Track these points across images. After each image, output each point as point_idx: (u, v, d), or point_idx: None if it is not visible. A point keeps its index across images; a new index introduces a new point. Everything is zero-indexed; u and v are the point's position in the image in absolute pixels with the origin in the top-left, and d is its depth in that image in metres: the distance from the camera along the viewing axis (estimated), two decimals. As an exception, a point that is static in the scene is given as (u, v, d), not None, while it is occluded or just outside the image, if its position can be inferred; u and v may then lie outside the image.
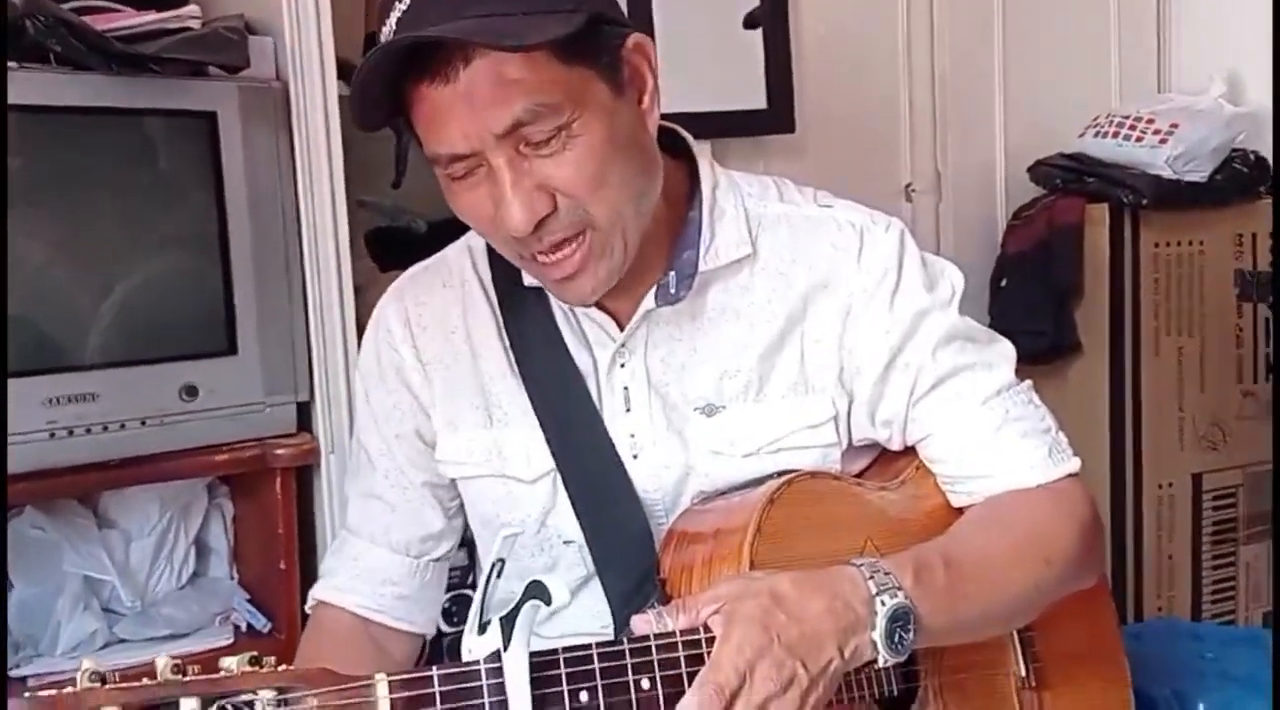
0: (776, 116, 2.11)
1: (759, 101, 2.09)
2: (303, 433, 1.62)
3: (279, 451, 1.57)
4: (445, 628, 1.78)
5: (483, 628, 0.82)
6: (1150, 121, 2.17)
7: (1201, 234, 2.18)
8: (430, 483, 1.16)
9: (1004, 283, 2.20)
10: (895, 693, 1.03)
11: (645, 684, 0.85)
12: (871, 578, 0.92)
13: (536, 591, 0.81)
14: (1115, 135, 2.20)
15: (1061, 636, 1.16)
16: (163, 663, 0.70)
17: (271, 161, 1.55)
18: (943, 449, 1.10)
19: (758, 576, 0.93)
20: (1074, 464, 1.11)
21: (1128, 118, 2.21)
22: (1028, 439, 1.09)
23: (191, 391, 1.48)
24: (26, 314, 1.38)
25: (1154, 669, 1.73)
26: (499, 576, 0.84)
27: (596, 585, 1.08)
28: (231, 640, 1.59)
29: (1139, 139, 2.15)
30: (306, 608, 1.22)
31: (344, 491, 1.25)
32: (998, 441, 1.09)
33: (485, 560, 1.15)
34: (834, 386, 1.09)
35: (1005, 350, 1.13)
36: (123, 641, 1.55)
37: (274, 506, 1.58)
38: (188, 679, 0.70)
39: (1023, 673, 1.12)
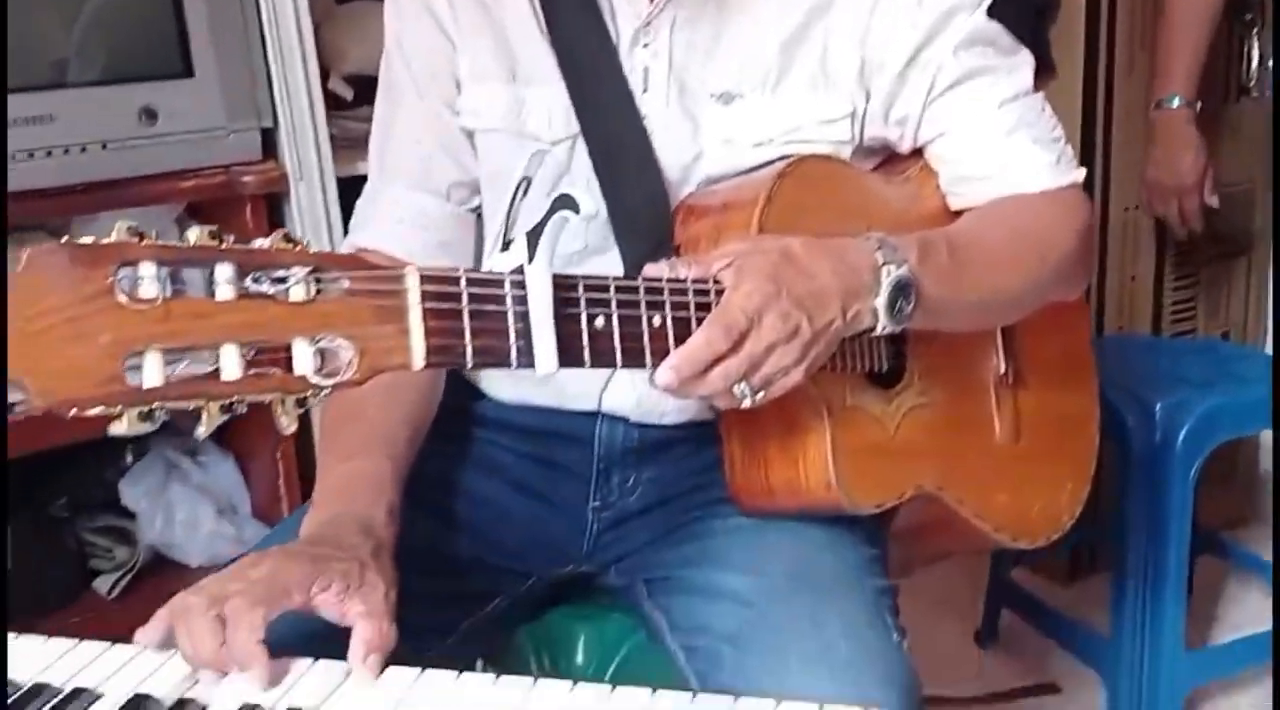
0: None
1: None
2: (269, 160, 1.60)
3: (245, 178, 1.56)
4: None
5: (506, 246, 0.82)
6: None
7: (1181, -52, 2.11)
8: (465, 128, 1.14)
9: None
10: (884, 369, 1.07)
11: (656, 321, 0.87)
12: (879, 249, 0.94)
13: (563, 203, 0.80)
14: None
15: (1041, 343, 1.20)
16: (197, 232, 0.69)
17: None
18: (953, 148, 1.12)
19: (768, 237, 0.95)
20: (1078, 174, 1.13)
21: None
22: (1038, 145, 1.11)
23: (151, 115, 1.46)
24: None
25: (1114, 376, 1.80)
26: (524, 195, 0.84)
27: (594, 261, 1.08)
28: (211, 367, 1.61)
29: None
30: None
31: (372, 144, 1.20)
32: (1009, 144, 1.10)
33: (490, 222, 1.13)
34: (853, 83, 1.09)
35: (1026, 58, 1.13)
36: (106, 370, 1.57)
37: (245, 235, 1.57)
38: (224, 247, 0.69)
39: (1002, 369, 1.17)
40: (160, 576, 1.71)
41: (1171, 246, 2.25)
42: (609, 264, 1.07)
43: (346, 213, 1.65)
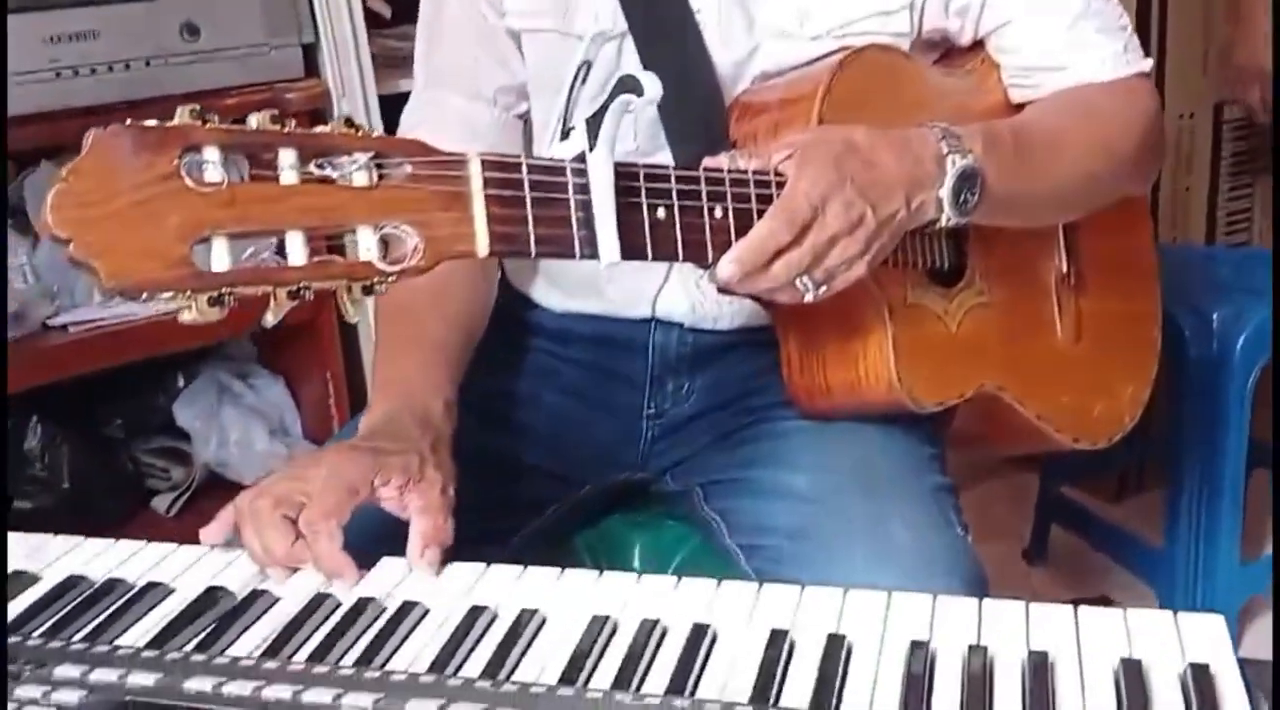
0: None
1: None
2: (311, 77, 1.59)
3: (289, 95, 1.55)
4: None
5: (566, 134, 0.79)
6: None
7: None
8: (512, 30, 1.11)
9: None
10: (945, 266, 1.05)
11: (718, 213, 0.85)
12: (943, 139, 0.92)
13: (626, 85, 0.77)
14: None
15: (1102, 243, 1.18)
16: (259, 117, 0.67)
17: None
18: (1016, 38, 1.09)
19: (830, 127, 0.93)
20: (1145, 64, 1.11)
21: None
22: (1103, 33, 1.09)
23: (193, 30, 1.45)
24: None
25: (1169, 286, 1.77)
26: (583, 82, 0.82)
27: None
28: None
29: None
30: None
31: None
32: (1074, 33, 1.08)
33: (544, 122, 1.12)
34: None
35: None
36: (156, 289, 1.58)
37: (290, 154, 1.57)
38: (288, 131, 0.68)
39: (1063, 269, 1.15)
40: (217, 495, 1.73)
41: (1227, 156, 2.20)
42: None
43: (389, 131, 1.64)
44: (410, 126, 1.16)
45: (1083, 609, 0.73)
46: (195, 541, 0.87)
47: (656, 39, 1.04)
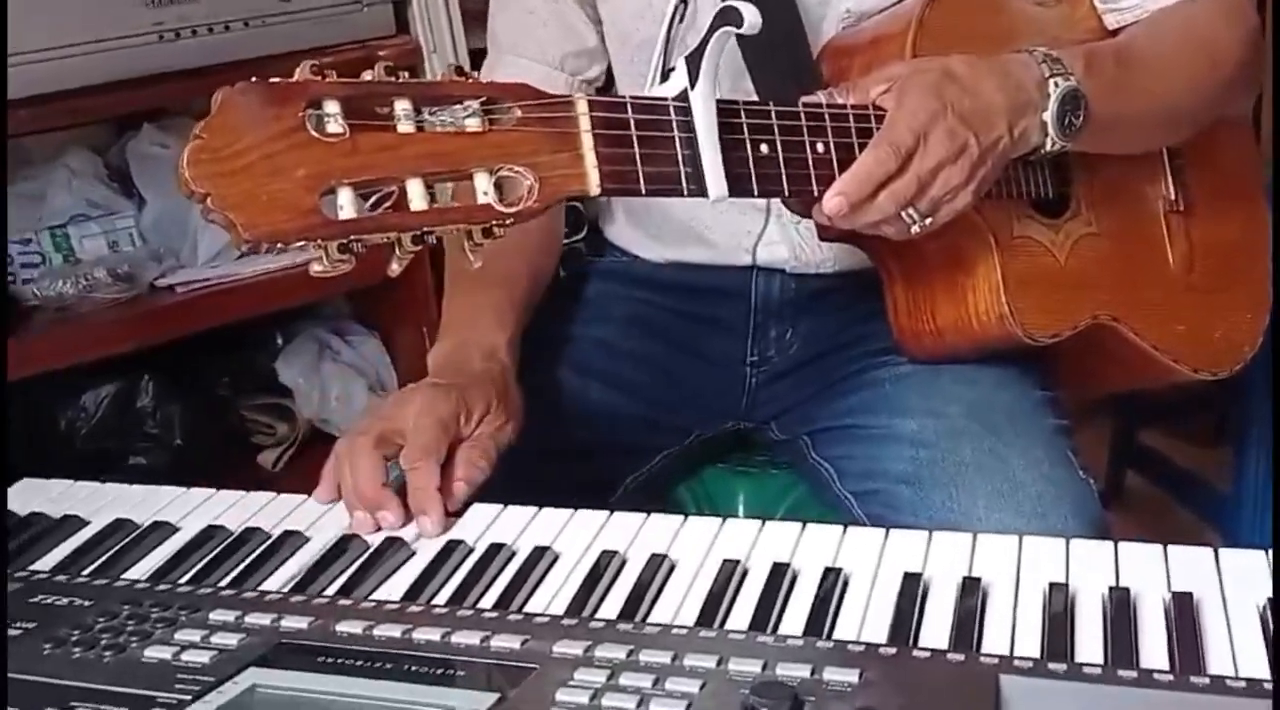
0: None
1: None
2: (402, 34, 1.60)
3: (382, 53, 1.56)
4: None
5: (666, 76, 0.80)
6: None
7: None
8: None
9: None
10: (1049, 195, 1.03)
11: (820, 147, 0.85)
12: (1044, 63, 0.90)
13: (725, 18, 0.77)
14: None
15: (1210, 172, 1.15)
16: (373, 70, 0.70)
17: None
18: None
19: (927, 58, 0.92)
20: None
21: None
22: None
23: (287, -10, 1.46)
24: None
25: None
26: (681, 20, 0.82)
27: None
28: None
29: None
30: None
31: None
32: None
33: (621, 82, 1.12)
34: None
35: None
36: (261, 249, 1.60)
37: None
38: (402, 82, 0.70)
39: (1171, 197, 1.12)
40: (320, 450, 1.76)
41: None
42: None
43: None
44: None
45: (1223, 551, 0.72)
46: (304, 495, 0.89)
47: None
